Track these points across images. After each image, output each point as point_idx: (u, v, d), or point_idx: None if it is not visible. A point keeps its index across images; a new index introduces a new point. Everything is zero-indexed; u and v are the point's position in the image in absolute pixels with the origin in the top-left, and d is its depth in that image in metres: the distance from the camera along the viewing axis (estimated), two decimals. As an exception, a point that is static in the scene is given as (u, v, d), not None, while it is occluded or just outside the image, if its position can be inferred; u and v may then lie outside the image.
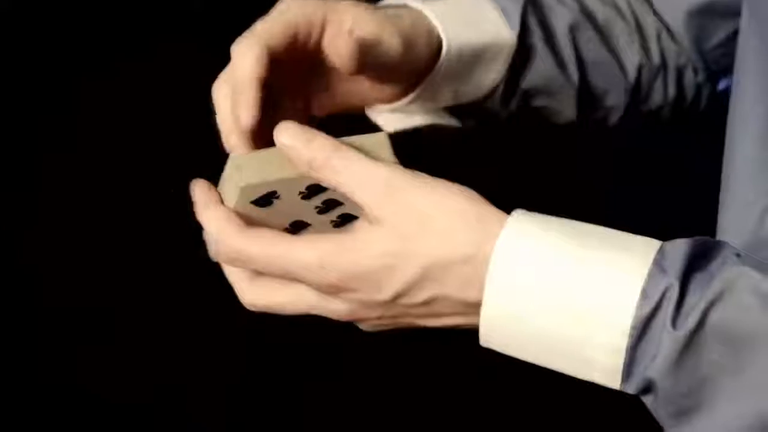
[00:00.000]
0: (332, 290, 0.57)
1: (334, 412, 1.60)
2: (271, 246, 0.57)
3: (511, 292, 0.54)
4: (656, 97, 0.82)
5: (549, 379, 0.59)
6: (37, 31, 1.74)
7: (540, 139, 1.39)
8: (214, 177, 0.60)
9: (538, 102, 0.76)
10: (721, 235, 0.70)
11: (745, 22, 0.69)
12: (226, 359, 1.56)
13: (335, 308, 0.58)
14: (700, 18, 0.78)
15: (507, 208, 0.57)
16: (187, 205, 0.60)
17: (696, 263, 0.53)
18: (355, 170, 0.56)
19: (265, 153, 0.58)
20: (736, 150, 0.69)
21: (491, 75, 0.72)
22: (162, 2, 1.76)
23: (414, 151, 0.69)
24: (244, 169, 0.57)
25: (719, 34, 0.79)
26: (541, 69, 0.74)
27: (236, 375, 1.56)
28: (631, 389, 0.54)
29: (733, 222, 0.69)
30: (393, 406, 1.61)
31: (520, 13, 0.72)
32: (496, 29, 0.71)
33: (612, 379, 0.54)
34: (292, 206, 0.59)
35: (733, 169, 0.70)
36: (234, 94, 0.61)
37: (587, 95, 0.78)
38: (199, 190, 0.60)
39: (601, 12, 0.78)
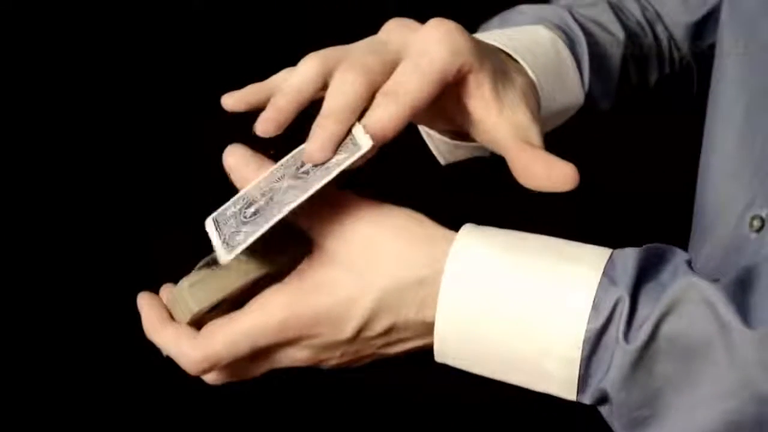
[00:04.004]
0: (294, 341, 0.56)
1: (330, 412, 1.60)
2: (230, 332, 0.55)
3: (462, 309, 0.53)
4: (659, 99, 0.84)
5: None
6: (37, 31, 1.74)
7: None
8: (214, 175, 0.59)
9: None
10: (697, 239, 0.70)
11: (723, 23, 0.70)
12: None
13: (296, 357, 0.57)
14: (701, 25, 0.81)
15: (497, 206, 0.56)
16: (188, 204, 0.60)
17: (646, 273, 0.53)
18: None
19: (213, 266, 0.57)
20: (714, 149, 0.70)
21: (554, 124, 0.72)
22: (162, 2, 1.76)
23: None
24: (197, 286, 0.57)
25: (714, 36, 0.80)
26: (589, 104, 0.75)
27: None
28: (587, 400, 0.54)
29: (713, 221, 0.69)
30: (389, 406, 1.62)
31: (588, 72, 0.72)
32: (575, 92, 0.71)
33: (568, 391, 0.54)
34: (234, 298, 0.58)
35: (712, 167, 0.70)
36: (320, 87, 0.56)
37: (611, 110, 0.79)
38: (146, 306, 0.58)
39: (633, 31, 0.80)
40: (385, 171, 0.58)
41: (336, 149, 0.56)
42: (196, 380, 0.58)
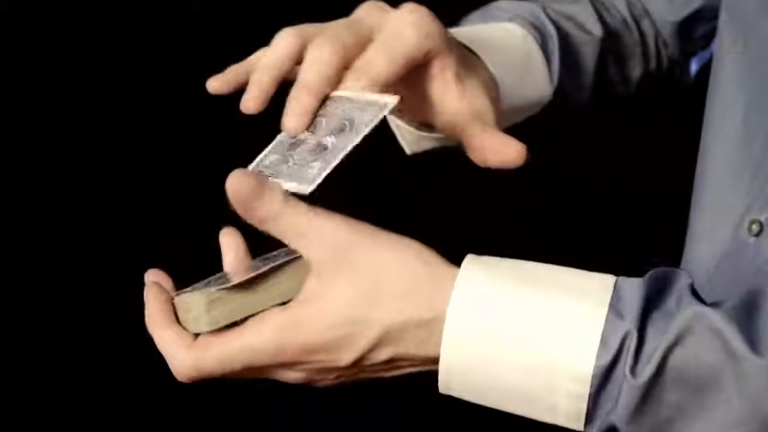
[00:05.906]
0: (290, 365, 0.56)
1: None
2: (226, 349, 0.55)
3: (467, 349, 0.53)
4: (647, 96, 0.84)
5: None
6: (37, 31, 1.74)
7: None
8: (213, 174, 0.59)
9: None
10: (694, 243, 0.70)
11: (722, 23, 0.70)
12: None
13: (291, 377, 0.57)
14: (686, 24, 0.81)
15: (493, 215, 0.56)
16: (192, 205, 0.60)
17: (652, 302, 0.53)
18: (302, 225, 0.54)
19: (237, 287, 0.57)
20: (712, 151, 0.69)
21: (522, 116, 0.73)
22: (162, 2, 1.76)
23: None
24: (214, 305, 0.56)
25: (702, 30, 0.82)
26: (561, 98, 0.76)
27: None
28: (594, 431, 0.54)
29: (710, 223, 0.68)
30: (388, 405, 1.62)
31: (558, 69, 0.73)
32: (542, 89, 0.72)
33: (576, 423, 0.54)
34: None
35: (709, 169, 0.69)
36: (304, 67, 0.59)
37: (590, 109, 0.79)
38: (154, 301, 0.58)
39: (614, 29, 0.80)
40: (359, 163, 0.58)
41: (312, 120, 0.57)
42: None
